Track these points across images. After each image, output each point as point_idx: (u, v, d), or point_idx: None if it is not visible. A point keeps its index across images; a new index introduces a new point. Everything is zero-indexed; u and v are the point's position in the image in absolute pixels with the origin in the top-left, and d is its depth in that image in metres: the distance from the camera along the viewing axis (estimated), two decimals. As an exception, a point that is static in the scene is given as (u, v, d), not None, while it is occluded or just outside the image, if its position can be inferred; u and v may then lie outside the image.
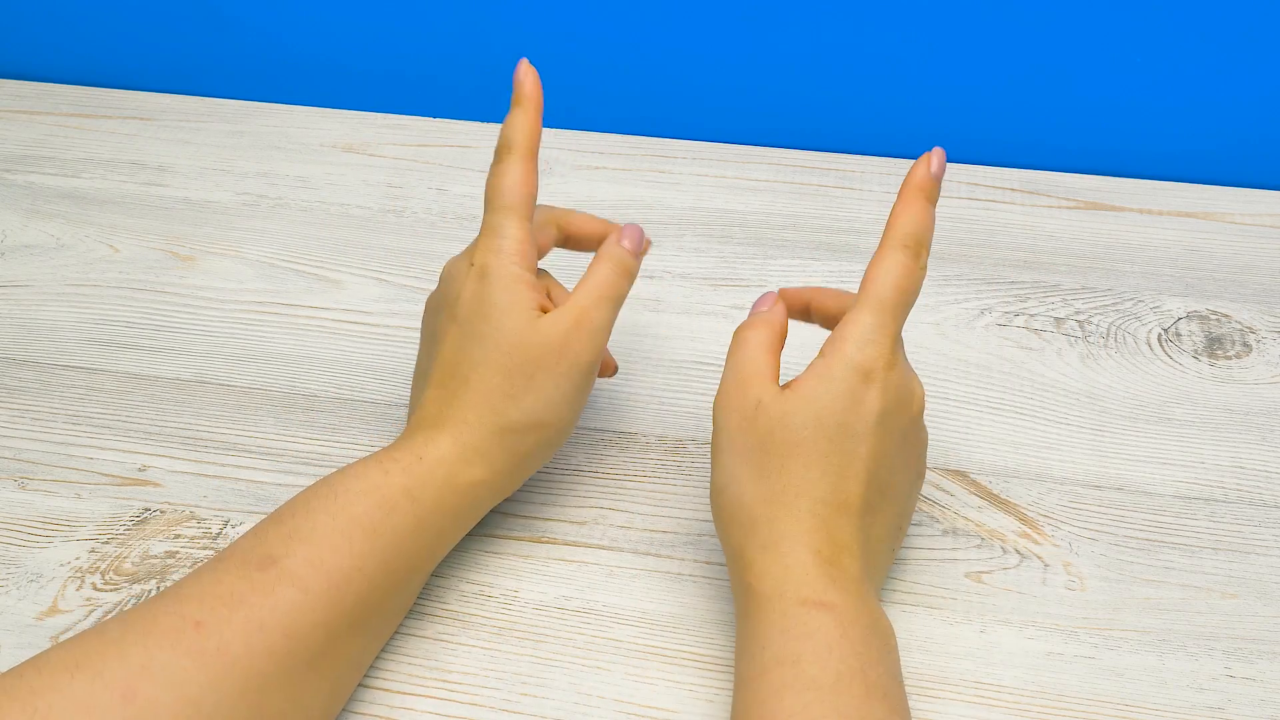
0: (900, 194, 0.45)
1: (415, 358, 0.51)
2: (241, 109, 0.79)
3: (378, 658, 0.46)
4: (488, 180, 0.48)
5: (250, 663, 0.38)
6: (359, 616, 0.42)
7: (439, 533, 0.45)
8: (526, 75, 0.50)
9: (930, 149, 0.46)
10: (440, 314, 0.48)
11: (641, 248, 0.50)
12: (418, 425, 0.46)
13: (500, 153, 0.48)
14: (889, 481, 0.43)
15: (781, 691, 0.38)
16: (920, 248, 0.44)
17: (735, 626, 0.43)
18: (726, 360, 0.45)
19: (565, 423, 0.47)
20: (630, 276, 0.49)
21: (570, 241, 0.53)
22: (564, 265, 0.58)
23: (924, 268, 0.44)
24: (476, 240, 0.48)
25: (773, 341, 0.46)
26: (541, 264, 0.51)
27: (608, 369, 0.53)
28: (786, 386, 0.43)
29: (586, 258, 0.52)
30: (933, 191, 0.46)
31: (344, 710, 0.44)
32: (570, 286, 0.49)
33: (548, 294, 0.49)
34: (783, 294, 0.49)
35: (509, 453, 0.46)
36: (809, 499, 0.42)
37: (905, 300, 0.44)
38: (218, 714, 0.37)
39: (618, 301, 0.48)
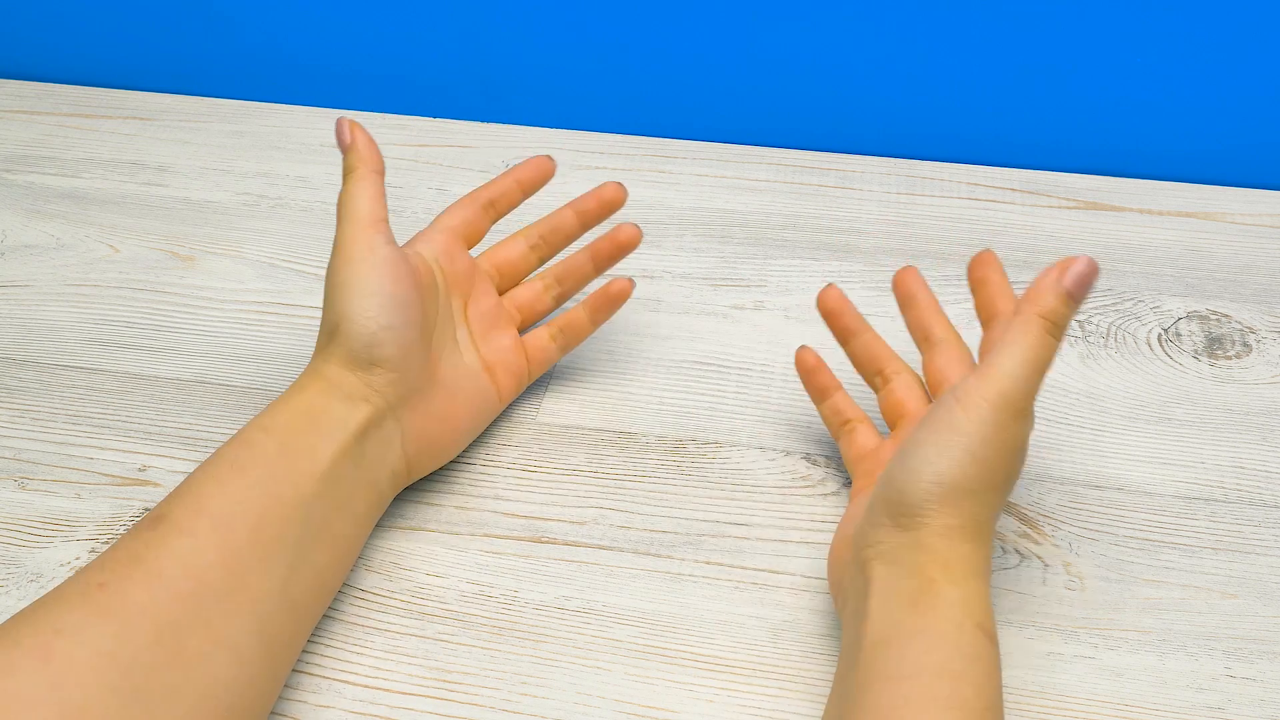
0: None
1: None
2: (241, 109, 0.79)
3: (377, 658, 0.46)
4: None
5: (157, 610, 0.39)
6: (256, 547, 0.42)
7: (305, 451, 0.45)
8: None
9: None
10: None
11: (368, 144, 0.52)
12: None
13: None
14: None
15: (931, 703, 0.38)
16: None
17: (874, 612, 0.41)
18: (1009, 355, 0.41)
19: (359, 312, 0.47)
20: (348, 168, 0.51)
21: (499, 208, 0.55)
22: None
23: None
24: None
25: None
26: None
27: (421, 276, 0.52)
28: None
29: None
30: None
31: (345, 711, 0.45)
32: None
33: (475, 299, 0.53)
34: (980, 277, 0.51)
35: (329, 358, 0.48)
36: (990, 535, 0.43)
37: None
38: (135, 663, 0.38)
39: (369, 185, 0.50)
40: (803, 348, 0.53)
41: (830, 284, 0.53)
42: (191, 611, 0.40)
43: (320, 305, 0.63)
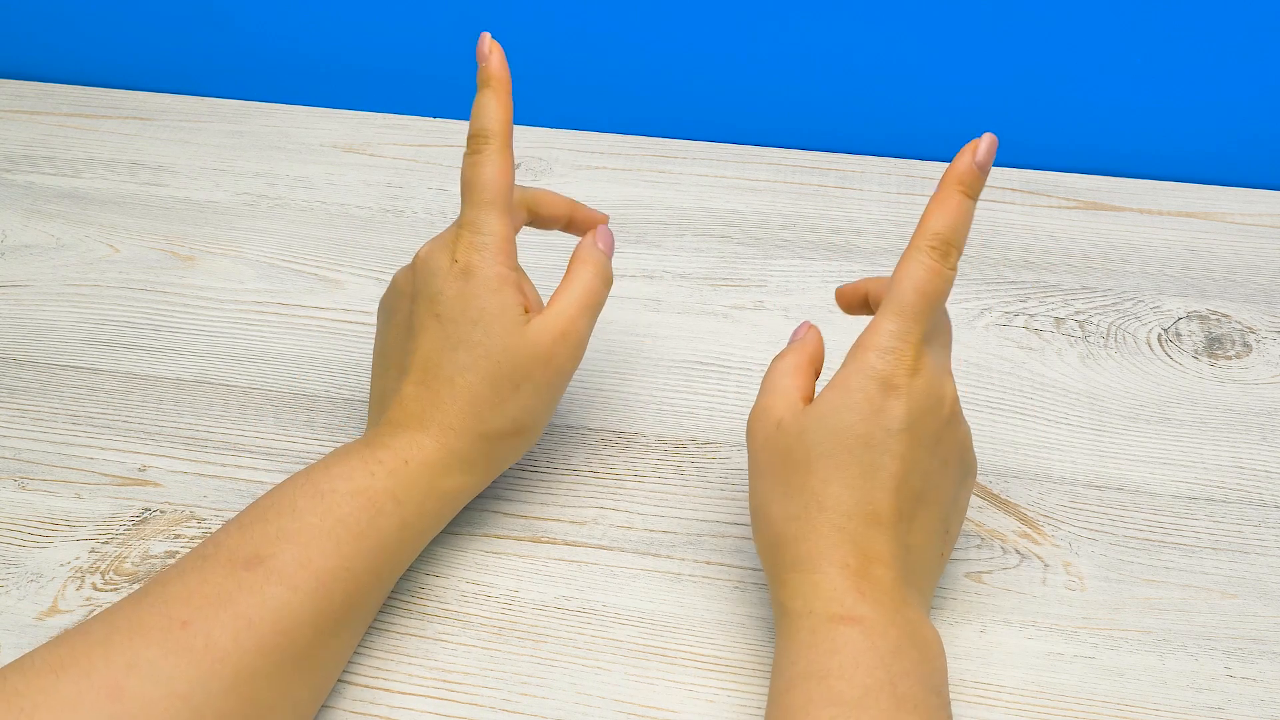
0: (937, 186, 0.43)
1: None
2: (241, 109, 0.79)
3: (377, 658, 0.46)
4: (464, 171, 0.48)
5: (239, 659, 0.38)
6: (345, 614, 0.42)
7: (420, 533, 0.46)
8: (492, 51, 0.49)
9: (979, 135, 0.43)
10: (417, 304, 0.47)
11: (612, 249, 0.51)
12: (399, 423, 0.46)
13: (474, 142, 0.48)
14: (924, 487, 0.43)
15: (807, 706, 0.38)
16: (949, 248, 0.42)
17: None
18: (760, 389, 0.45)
19: (541, 427, 0.49)
20: (609, 283, 0.49)
21: (538, 221, 0.53)
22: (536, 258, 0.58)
23: (953, 268, 0.42)
24: (457, 234, 0.47)
25: (801, 364, 0.45)
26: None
27: None
28: (810, 402, 0.43)
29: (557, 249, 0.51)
30: (974, 184, 0.43)
31: (345, 711, 0.45)
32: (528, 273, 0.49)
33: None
34: (839, 293, 0.50)
35: (488, 456, 0.47)
36: (833, 513, 0.41)
37: (930, 304, 0.42)
38: (207, 708, 0.37)
39: (599, 309, 0.49)
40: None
41: (802, 322, 0.50)
42: (271, 665, 0.39)
43: (320, 305, 0.63)
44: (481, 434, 0.46)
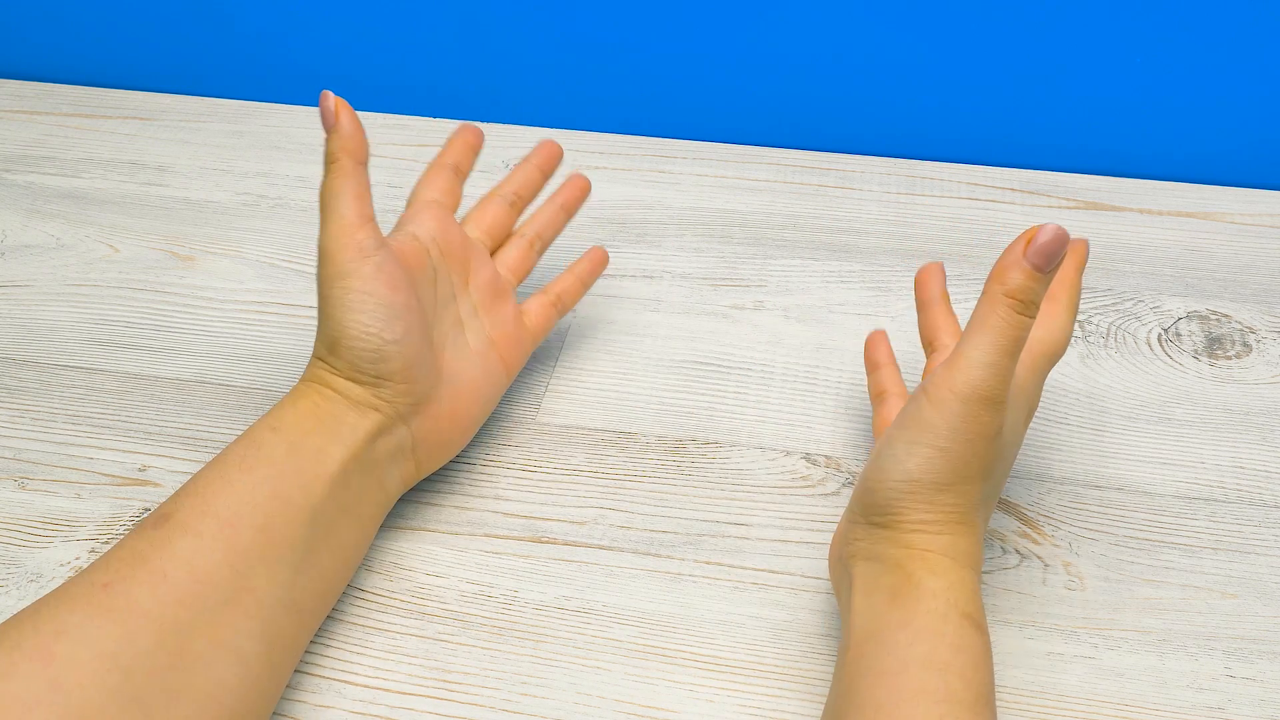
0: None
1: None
2: (241, 109, 0.79)
3: (377, 658, 0.46)
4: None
5: (161, 611, 0.39)
6: (262, 549, 0.42)
7: (315, 453, 0.45)
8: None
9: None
10: None
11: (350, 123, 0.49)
12: None
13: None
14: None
15: (920, 696, 0.37)
16: (1027, 307, 0.39)
17: (859, 609, 0.41)
18: (976, 344, 0.39)
19: (360, 329, 0.46)
20: (328, 162, 0.48)
21: (461, 171, 0.56)
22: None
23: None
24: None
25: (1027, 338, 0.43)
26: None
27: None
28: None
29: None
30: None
31: (345, 711, 0.45)
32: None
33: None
34: (927, 282, 0.52)
35: (334, 370, 0.47)
36: (981, 524, 0.43)
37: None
38: (137, 665, 0.38)
39: (349, 189, 0.48)
40: (877, 330, 0.55)
41: (933, 262, 0.53)
42: (195, 613, 0.40)
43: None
44: (319, 356, 0.48)
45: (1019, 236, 0.38)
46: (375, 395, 0.47)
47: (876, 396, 0.52)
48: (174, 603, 0.39)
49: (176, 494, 0.43)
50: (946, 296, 0.52)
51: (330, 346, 0.47)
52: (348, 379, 0.47)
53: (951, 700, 0.37)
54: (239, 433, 0.55)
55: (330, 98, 0.48)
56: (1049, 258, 0.38)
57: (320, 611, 0.45)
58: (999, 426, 0.40)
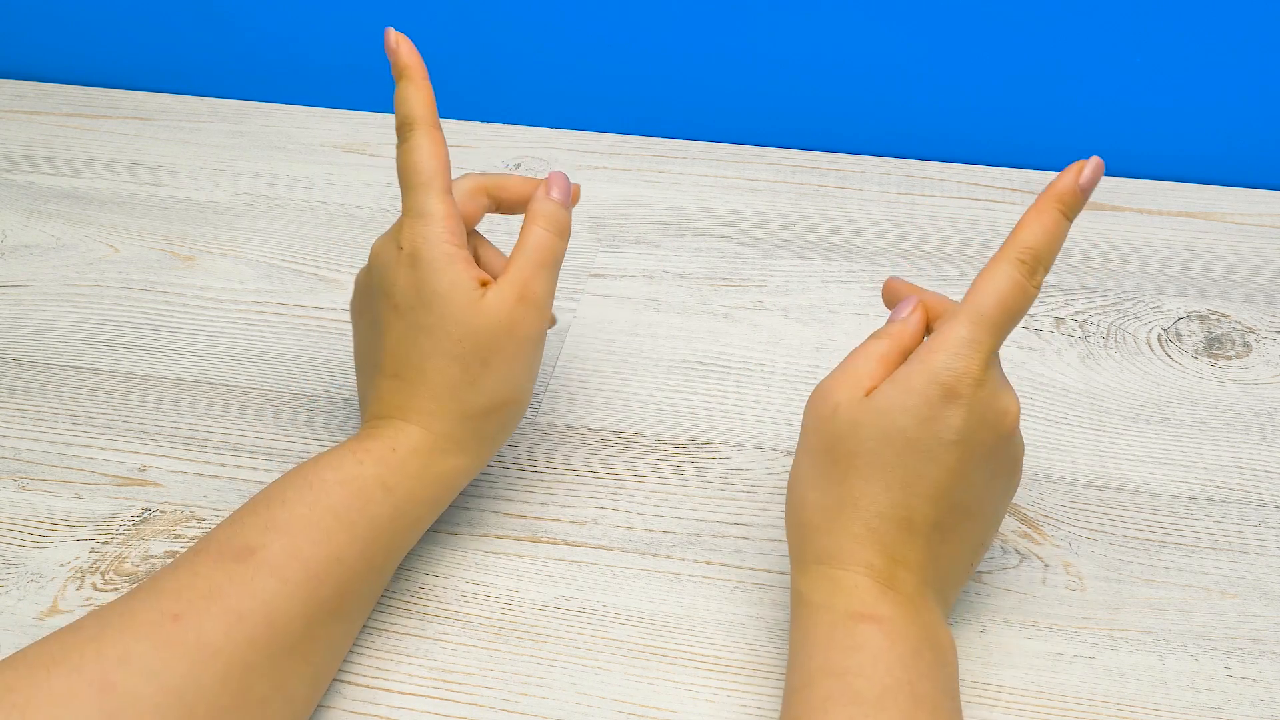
0: (1036, 200, 0.41)
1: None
2: (241, 109, 0.79)
3: (377, 658, 0.46)
4: (398, 162, 0.47)
5: (231, 652, 0.38)
6: (338, 604, 0.42)
7: (415, 521, 0.46)
8: (400, 43, 0.48)
9: (1086, 158, 0.42)
10: (379, 301, 0.47)
11: (571, 196, 0.49)
12: (381, 415, 0.46)
13: (402, 131, 0.47)
14: (968, 500, 0.42)
15: (826, 704, 0.38)
16: (1037, 264, 0.41)
17: (789, 631, 0.43)
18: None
19: (526, 394, 0.48)
20: (565, 234, 0.48)
21: (503, 206, 0.52)
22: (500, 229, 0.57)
23: (1038, 286, 0.41)
24: (400, 222, 0.47)
25: (889, 354, 0.43)
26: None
27: (550, 323, 0.51)
28: (868, 393, 0.41)
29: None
30: (1073, 204, 0.41)
31: (345, 711, 0.45)
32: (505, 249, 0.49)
33: (477, 256, 0.49)
34: (890, 286, 0.49)
35: (477, 435, 0.47)
36: (866, 513, 0.41)
37: (1008, 317, 0.41)
38: (200, 703, 0.37)
39: (557, 264, 0.48)
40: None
41: (907, 298, 0.47)
42: (264, 658, 0.39)
43: (320, 305, 0.63)
44: (463, 414, 0.46)
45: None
46: (491, 454, 0.48)
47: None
48: (245, 645, 0.38)
49: (263, 522, 0.41)
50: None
51: (491, 409, 0.46)
52: (488, 442, 0.47)
53: (857, 701, 0.38)
54: (239, 433, 0.55)
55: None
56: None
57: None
58: (834, 404, 0.41)
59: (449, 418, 0.46)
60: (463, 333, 0.45)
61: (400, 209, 0.48)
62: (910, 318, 0.44)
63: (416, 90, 0.47)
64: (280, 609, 0.40)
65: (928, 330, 0.45)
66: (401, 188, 0.47)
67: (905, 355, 0.43)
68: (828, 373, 0.44)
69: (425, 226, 0.46)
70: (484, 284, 0.46)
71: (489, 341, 0.45)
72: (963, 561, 0.44)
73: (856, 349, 0.43)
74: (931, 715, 0.38)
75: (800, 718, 0.39)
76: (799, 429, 0.43)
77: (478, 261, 0.49)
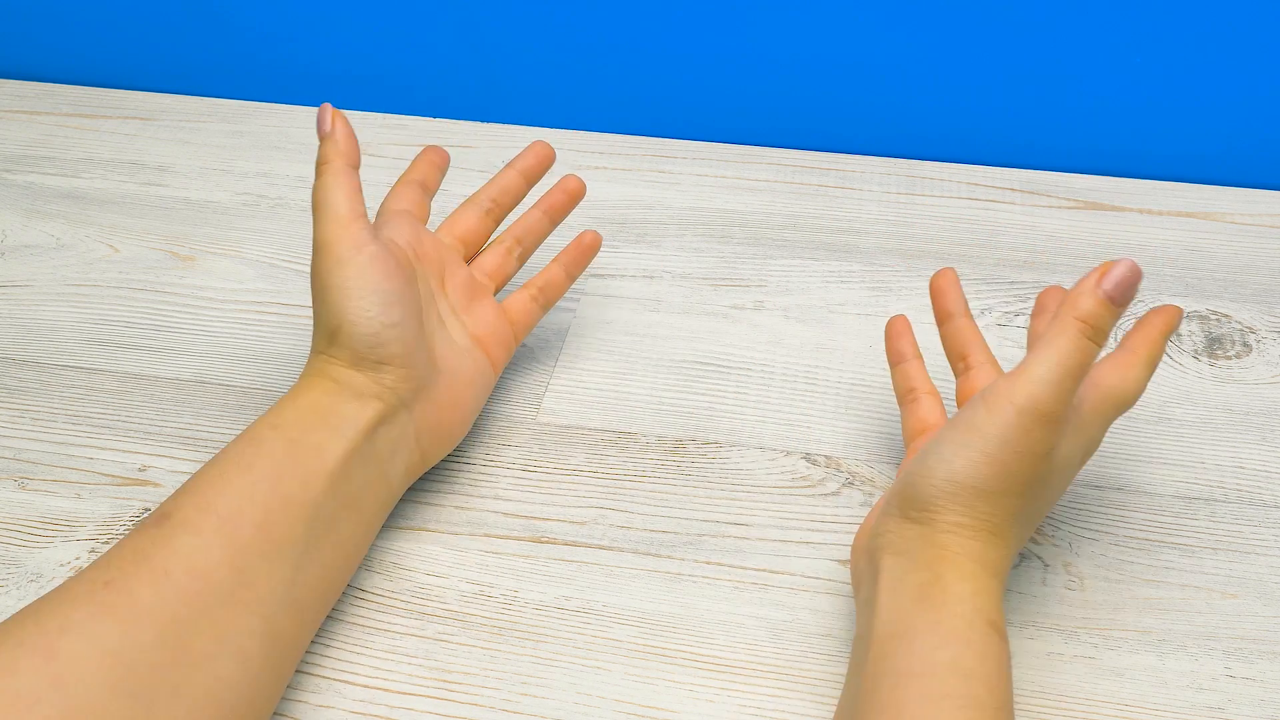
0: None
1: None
2: (241, 109, 0.79)
3: (377, 657, 0.46)
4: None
5: (162, 608, 0.39)
6: (262, 545, 0.42)
7: (314, 449, 0.45)
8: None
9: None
10: None
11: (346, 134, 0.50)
12: None
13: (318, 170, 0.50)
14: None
15: (944, 700, 0.38)
16: (1098, 334, 0.41)
17: (885, 608, 0.41)
18: (1043, 359, 0.40)
19: (359, 315, 0.47)
20: (320, 164, 0.49)
21: (429, 185, 0.56)
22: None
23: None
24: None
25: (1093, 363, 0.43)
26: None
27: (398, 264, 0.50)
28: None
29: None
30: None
31: (345, 711, 0.44)
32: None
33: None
34: (943, 290, 0.52)
35: (335, 360, 0.47)
36: (1015, 540, 0.43)
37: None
38: (139, 661, 0.38)
39: (340, 184, 0.49)
40: (897, 315, 0.53)
41: (947, 268, 0.52)
42: (197, 611, 0.40)
43: (320, 305, 0.63)
44: (318, 348, 0.48)
45: (1096, 267, 0.41)
46: (376, 382, 0.47)
47: (905, 394, 0.51)
48: (175, 600, 0.39)
49: (177, 493, 0.43)
50: (968, 309, 0.52)
51: (330, 336, 0.47)
52: (348, 367, 0.47)
53: (976, 706, 0.37)
54: (239, 433, 0.55)
55: (327, 111, 0.50)
56: (1122, 289, 0.40)
57: (322, 608, 0.45)
58: (1050, 445, 0.41)
59: (314, 355, 0.48)
60: (314, 263, 0.48)
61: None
62: (1116, 306, 0.41)
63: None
64: (201, 561, 0.41)
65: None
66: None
67: None
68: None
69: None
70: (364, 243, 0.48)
71: (315, 271, 0.48)
72: None
73: (1063, 353, 0.40)
74: None
75: (909, 704, 0.38)
76: (800, 427, 0.43)
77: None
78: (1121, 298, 0.40)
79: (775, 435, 0.56)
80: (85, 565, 0.41)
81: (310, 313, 0.63)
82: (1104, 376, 0.44)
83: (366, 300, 0.47)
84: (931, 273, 0.64)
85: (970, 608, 0.40)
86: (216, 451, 0.54)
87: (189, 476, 0.45)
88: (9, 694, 0.36)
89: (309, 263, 0.66)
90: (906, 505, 0.42)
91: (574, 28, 0.74)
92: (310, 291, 0.49)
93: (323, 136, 0.49)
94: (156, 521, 0.42)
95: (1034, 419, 0.40)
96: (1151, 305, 0.63)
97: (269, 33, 0.77)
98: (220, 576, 0.41)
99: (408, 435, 0.49)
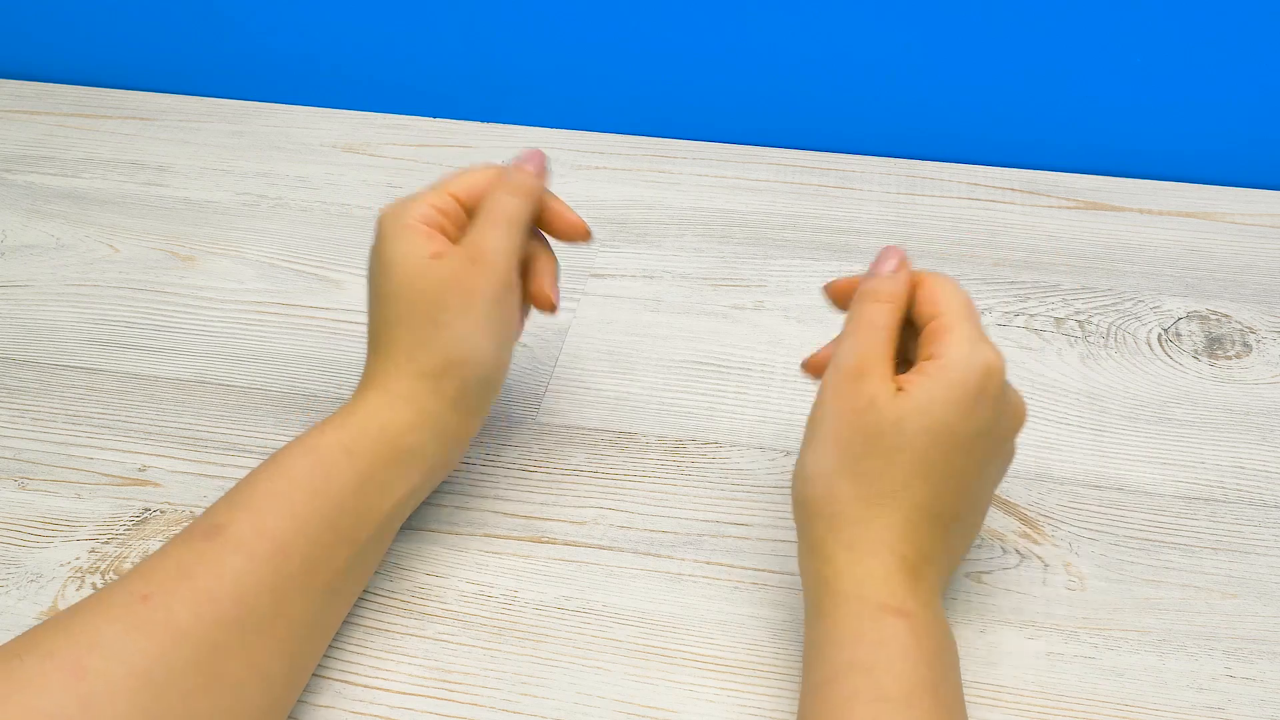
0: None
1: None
2: (241, 109, 0.79)
3: (377, 657, 0.46)
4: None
5: (201, 632, 0.38)
6: (306, 577, 0.42)
7: (382, 487, 0.45)
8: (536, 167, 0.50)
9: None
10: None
11: (542, 166, 0.50)
12: (357, 390, 0.47)
13: (506, 171, 0.49)
14: (980, 494, 0.43)
15: (852, 700, 0.38)
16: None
17: (805, 623, 0.42)
18: (845, 335, 0.43)
19: (485, 357, 0.46)
20: (526, 194, 0.48)
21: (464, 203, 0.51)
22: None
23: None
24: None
25: (891, 321, 0.43)
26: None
27: (542, 302, 0.50)
28: (900, 387, 0.41)
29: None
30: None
31: (345, 711, 0.45)
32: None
33: (530, 262, 0.50)
34: (834, 288, 0.48)
35: (436, 395, 0.46)
36: (907, 505, 0.41)
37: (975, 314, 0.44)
38: (170, 684, 0.37)
39: (515, 222, 0.47)
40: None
41: (889, 248, 0.47)
42: (234, 636, 0.39)
43: (320, 305, 0.63)
44: (418, 373, 0.46)
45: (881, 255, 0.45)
46: (464, 423, 0.47)
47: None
48: (214, 623, 0.38)
49: (230, 500, 0.42)
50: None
51: (445, 368, 0.46)
52: (449, 405, 0.46)
53: (882, 699, 0.37)
54: (239, 433, 0.55)
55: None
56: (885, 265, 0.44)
57: (338, 627, 0.46)
58: (869, 397, 0.41)
59: (404, 378, 0.46)
60: (412, 295, 0.45)
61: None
62: (899, 275, 0.45)
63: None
64: (248, 585, 0.39)
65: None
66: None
67: (903, 315, 0.44)
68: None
69: (393, 205, 0.47)
70: (442, 256, 0.46)
71: (436, 300, 0.45)
72: (961, 553, 0.45)
73: (859, 321, 0.43)
74: (947, 715, 0.38)
75: (822, 713, 0.38)
76: (800, 428, 0.43)
77: (530, 266, 0.50)
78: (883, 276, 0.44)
79: (775, 435, 0.56)
80: (129, 572, 0.40)
81: (312, 313, 0.63)
82: (944, 359, 0.43)
83: (501, 346, 0.47)
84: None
85: (855, 602, 0.40)
86: (216, 452, 0.55)
87: (246, 481, 0.43)
88: (33, 712, 0.34)
89: (309, 263, 0.66)
90: (795, 520, 0.44)
91: (574, 28, 0.74)
92: (385, 303, 0.46)
93: (520, 167, 0.49)
94: (206, 534, 0.40)
95: (844, 377, 0.42)
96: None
97: (269, 33, 0.77)
98: (262, 604, 0.40)
99: (455, 459, 0.49)
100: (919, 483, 0.41)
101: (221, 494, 0.52)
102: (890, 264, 0.45)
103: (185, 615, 0.38)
